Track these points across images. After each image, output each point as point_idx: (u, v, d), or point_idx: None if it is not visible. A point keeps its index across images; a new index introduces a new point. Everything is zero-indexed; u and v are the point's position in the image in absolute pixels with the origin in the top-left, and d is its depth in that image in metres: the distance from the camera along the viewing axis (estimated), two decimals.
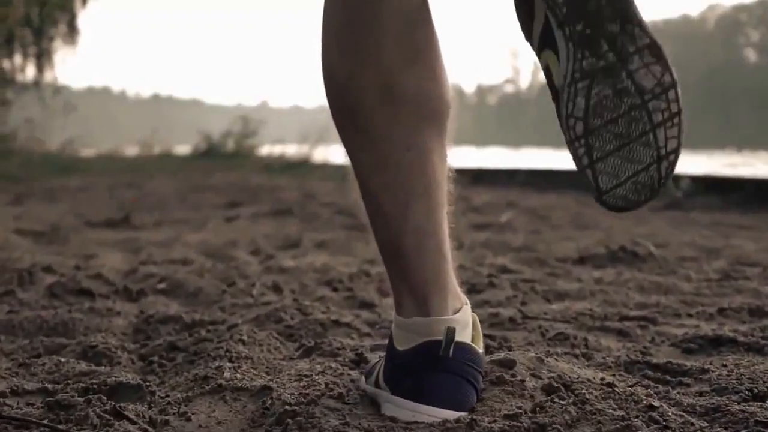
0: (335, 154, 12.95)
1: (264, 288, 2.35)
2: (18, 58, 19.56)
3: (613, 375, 1.51)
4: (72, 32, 20.10)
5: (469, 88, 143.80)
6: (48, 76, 19.61)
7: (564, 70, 1.24)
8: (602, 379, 1.42)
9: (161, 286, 2.41)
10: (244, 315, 1.96)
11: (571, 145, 1.24)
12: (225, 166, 11.81)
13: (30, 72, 19.25)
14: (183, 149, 16.07)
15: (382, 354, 1.61)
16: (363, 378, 1.44)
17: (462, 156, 15.61)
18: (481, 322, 1.62)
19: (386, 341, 1.76)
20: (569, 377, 1.36)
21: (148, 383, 1.40)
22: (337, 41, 1.29)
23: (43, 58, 19.67)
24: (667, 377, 1.51)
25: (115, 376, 1.46)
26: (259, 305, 2.11)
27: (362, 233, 4.33)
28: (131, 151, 16.27)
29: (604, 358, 1.63)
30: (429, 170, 1.31)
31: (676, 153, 1.23)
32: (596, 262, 2.93)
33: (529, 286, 2.38)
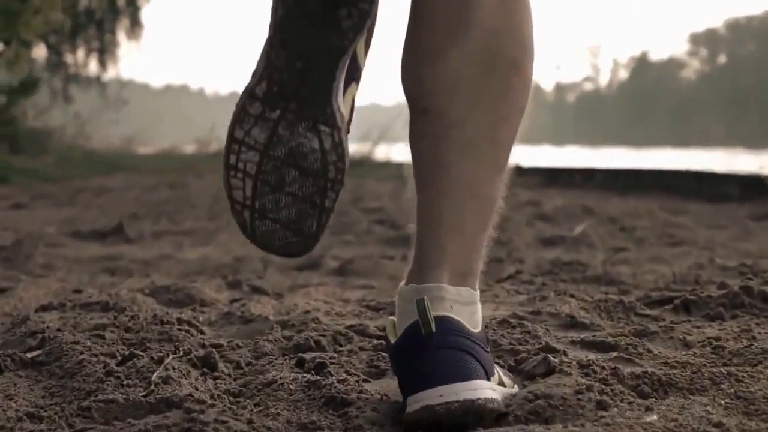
0: (398, 152, 12.12)
1: (183, 364, 1.45)
2: (81, 54, 19.27)
3: None
4: (135, 26, 19.66)
5: (548, 86, 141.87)
6: (111, 71, 19.33)
7: None
8: None
9: (33, 354, 1.55)
10: None
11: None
12: None
13: (93, 67, 19.00)
14: None
15: None
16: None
17: (537, 155, 14.72)
18: None
19: None
20: None
21: None
22: None
23: (105, 53, 19.36)
24: None
25: None
26: (149, 406, 1.25)
27: (399, 248, 3.49)
28: (190, 148, 15.62)
29: None
30: None
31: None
32: (707, 309, 2.00)
33: (609, 368, 1.42)
